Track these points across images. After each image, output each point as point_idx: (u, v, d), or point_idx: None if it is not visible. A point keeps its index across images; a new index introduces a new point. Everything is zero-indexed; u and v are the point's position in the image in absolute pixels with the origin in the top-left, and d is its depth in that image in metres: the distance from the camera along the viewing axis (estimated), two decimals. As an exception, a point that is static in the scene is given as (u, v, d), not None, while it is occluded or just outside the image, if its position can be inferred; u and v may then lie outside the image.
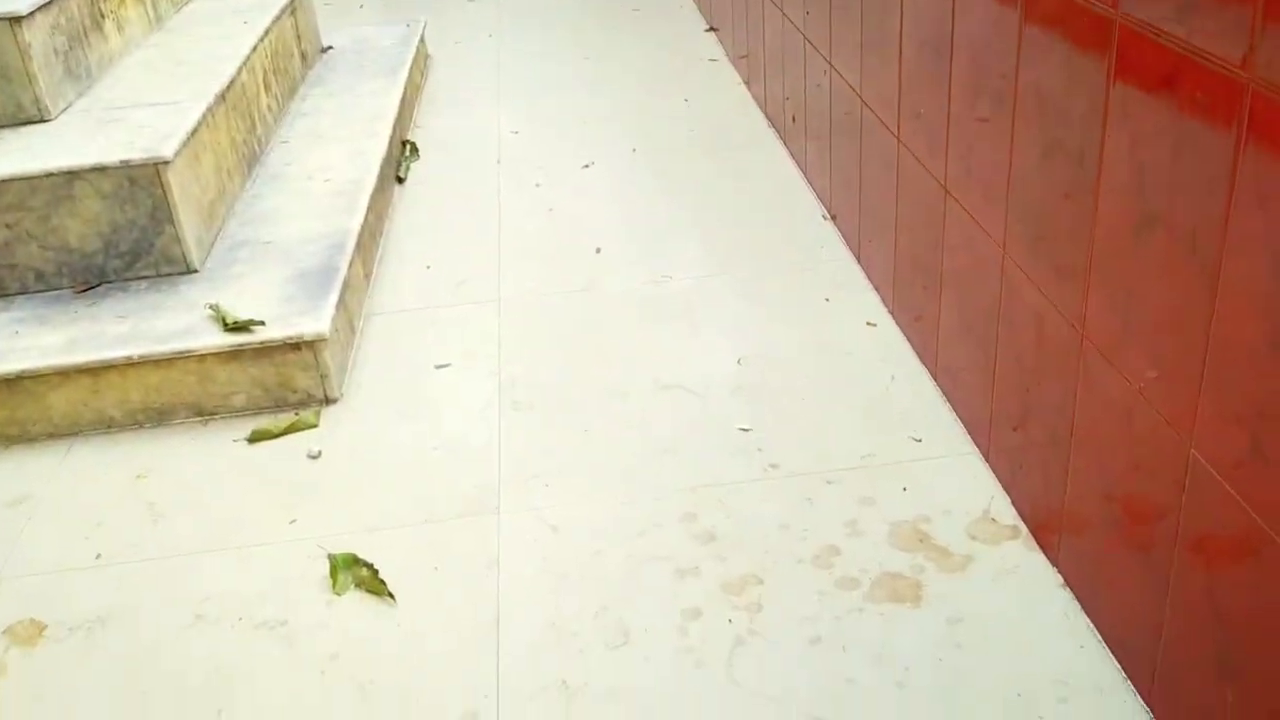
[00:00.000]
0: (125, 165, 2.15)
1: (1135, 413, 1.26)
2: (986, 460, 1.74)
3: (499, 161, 3.14)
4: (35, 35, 2.34)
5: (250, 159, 2.74)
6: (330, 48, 3.75)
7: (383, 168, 2.84)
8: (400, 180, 3.05)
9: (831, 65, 2.47)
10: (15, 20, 2.28)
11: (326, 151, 2.88)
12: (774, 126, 3.18)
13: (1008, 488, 1.67)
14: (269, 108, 2.98)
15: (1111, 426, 1.33)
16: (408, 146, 3.22)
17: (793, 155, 2.98)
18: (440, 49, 4.18)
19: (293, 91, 3.29)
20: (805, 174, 2.85)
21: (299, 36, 3.44)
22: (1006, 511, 1.63)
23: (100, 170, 2.15)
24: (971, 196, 1.71)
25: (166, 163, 2.15)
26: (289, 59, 3.28)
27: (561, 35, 4.26)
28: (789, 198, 2.77)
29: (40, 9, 2.37)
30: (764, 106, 3.30)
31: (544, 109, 3.53)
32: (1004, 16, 1.50)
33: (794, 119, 2.93)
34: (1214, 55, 1.05)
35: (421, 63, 3.84)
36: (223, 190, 2.49)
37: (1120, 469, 1.32)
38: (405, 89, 3.38)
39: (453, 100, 3.67)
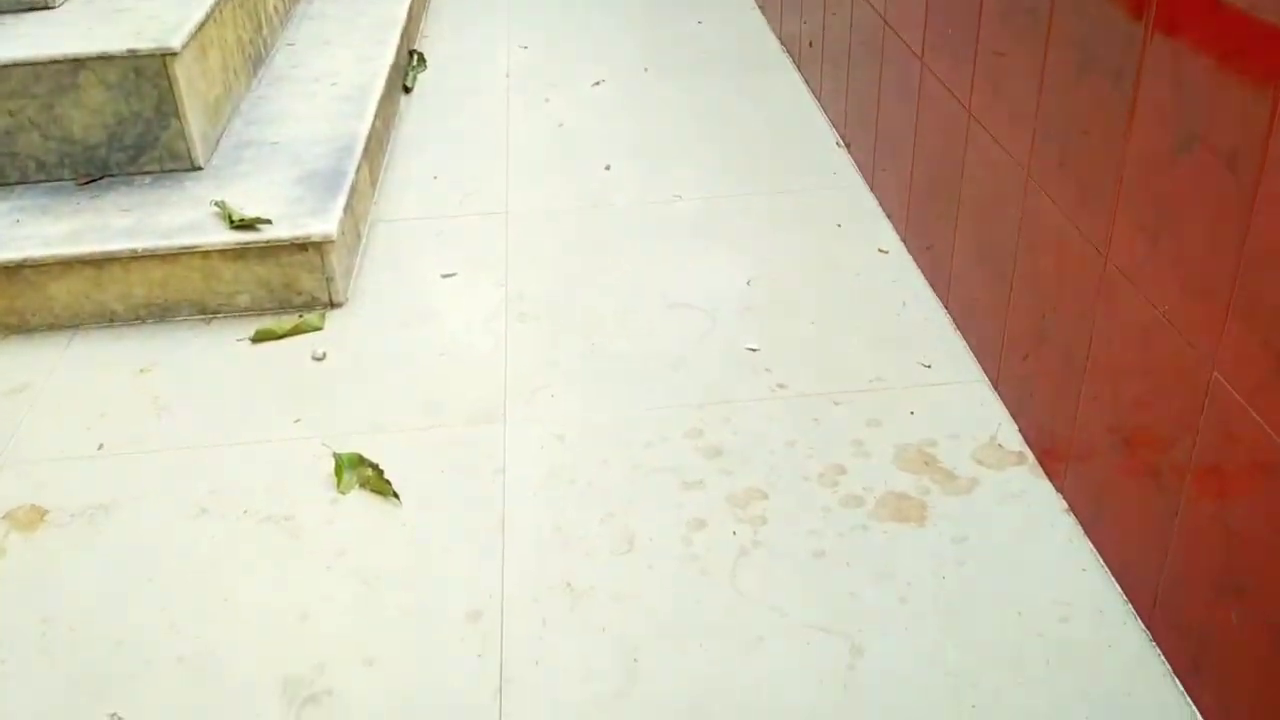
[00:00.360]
0: (132, 55, 2.10)
1: (1156, 336, 1.26)
2: (995, 388, 1.74)
3: (508, 75, 3.09)
4: (38, -81, 2.27)
5: (256, 60, 2.69)
6: (337, -48, 3.65)
7: (390, 75, 2.78)
8: (407, 90, 3.00)
9: (854, -13, 2.42)
10: (17, -98, 2.22)
11: (333, 56, 2.82)
12: (788, 51, 3.12)
13: (1015, 415, 1.67)
14: (275, 9, 2.91)
15: (1130, 351, 1.32)
16: (415, 56, 3.16)
17: (807, 81, 2.93)
18: (449, -40, 4.08)
19: (299, -6, 3.21)
20: (819, 100, 2.81)
21: (306, -62, 3.35)
22: (1013, 438, 1.63)
23: (106, 59, 2.10)
24: (996, 119, 1.68)
25: (174, 54, 2.10)
26: (296, -40, 3.20)
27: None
28: (802, 123, 2.73)
29: (43, -109, 2.30)
30: (778, 31, 3.24)
31: (554, 24, 3.46)
32: (1044, -69, 1.47)
33: (810, 44, 2.87)
34: (1268, -32, 1.02)
35: (430, -28, 3.75)
36: (229, 88, 2.44)
37: (1136, 394, 1.32)
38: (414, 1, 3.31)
39: (461, 11, 3.59)
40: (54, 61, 2.09)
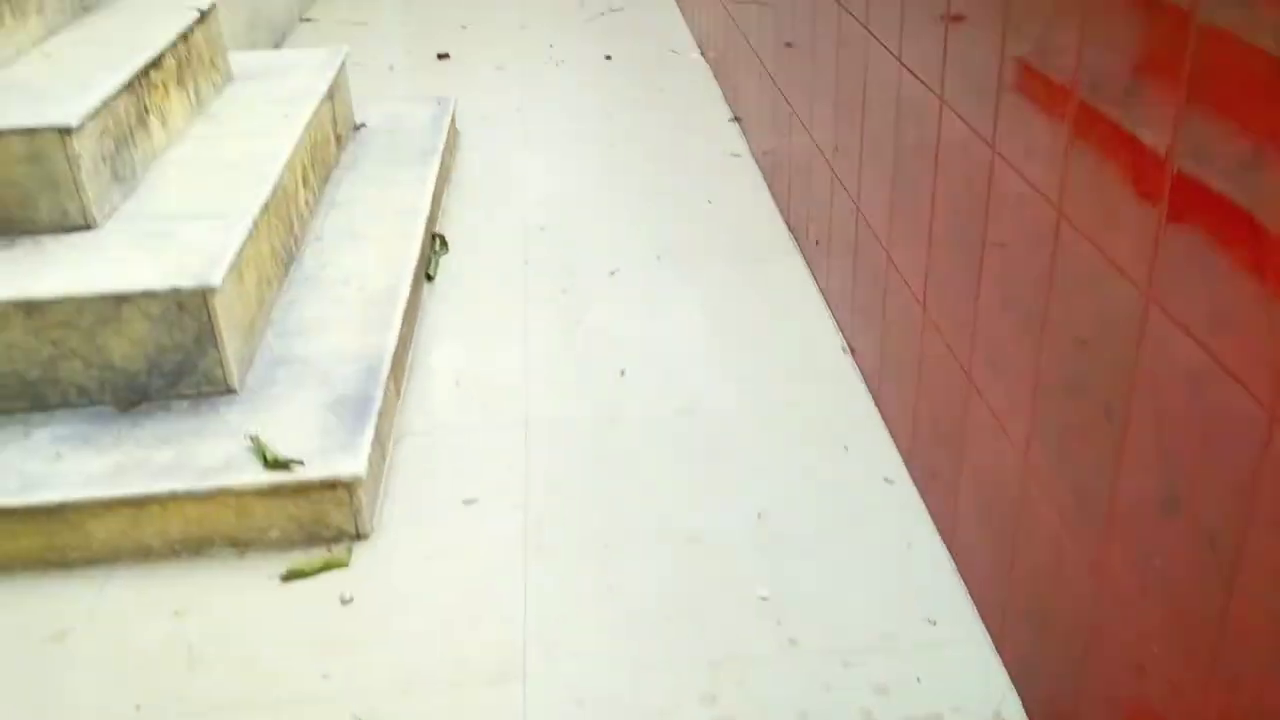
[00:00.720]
0: (175, 291, 2.21)
1: (1149, 672, 1.33)
2: (999, 651, 1.81)
3: (526, 263, 3.21)
4: (84, 145, 2.40)
5: (288, 261, 2.81)
6: (363, 125, 3.81)
7: (415, 272, 2.90)
8: (429, 278, 3.12)
9: (859, 210, 2.54)
10: (66, 132, 2.35)
11: (360, 252, 2.94)
12: (795, 239, 3.24)
13: (1019, 685, 1.74)
14: (306, 203, 3.04)
15: (1127, 672, 1.39)
16: (437, 240, 3.28)
17: (813, 273, 3.04)
18: (468, 122, 4.24)
19: (327, 177, 3.35)
20: (826, 298, 2.92)
21: (335, 120, 3.51)
22: (1017, 713, 1.70)
23: (149, 295, 2.21)
24: (996, 395, 1.77)
25: (214, 290, 2.22)
26: (326, 146, 3.35)
27: (587, 114, 4.33)
28: (809, 321, 2.84)
29: (91, 118, 2.43)
30: (786, 216, 3.36)
31: (571, 201, 3.59)
32: (1036, 256, 1.57)
33: (817, 242, 2.99)
34: (1242, 376, 1.11)
35: (452, 145, 3.90)
36: (263, 301, 2.55)
37: (1136, 711, 1.39)
38: (437, 180, 3.44)
39: (481, 186, 3.73)
40: (99, 297, 2.20)
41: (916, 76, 2.05)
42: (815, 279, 3.02)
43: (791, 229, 3.30)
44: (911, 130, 2.11)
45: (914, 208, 2.13)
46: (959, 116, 1.85)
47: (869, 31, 2.35)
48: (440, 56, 4.93)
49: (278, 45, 5.12)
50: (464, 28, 5.37)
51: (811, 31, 2.88)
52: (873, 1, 2.32)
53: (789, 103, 3.21)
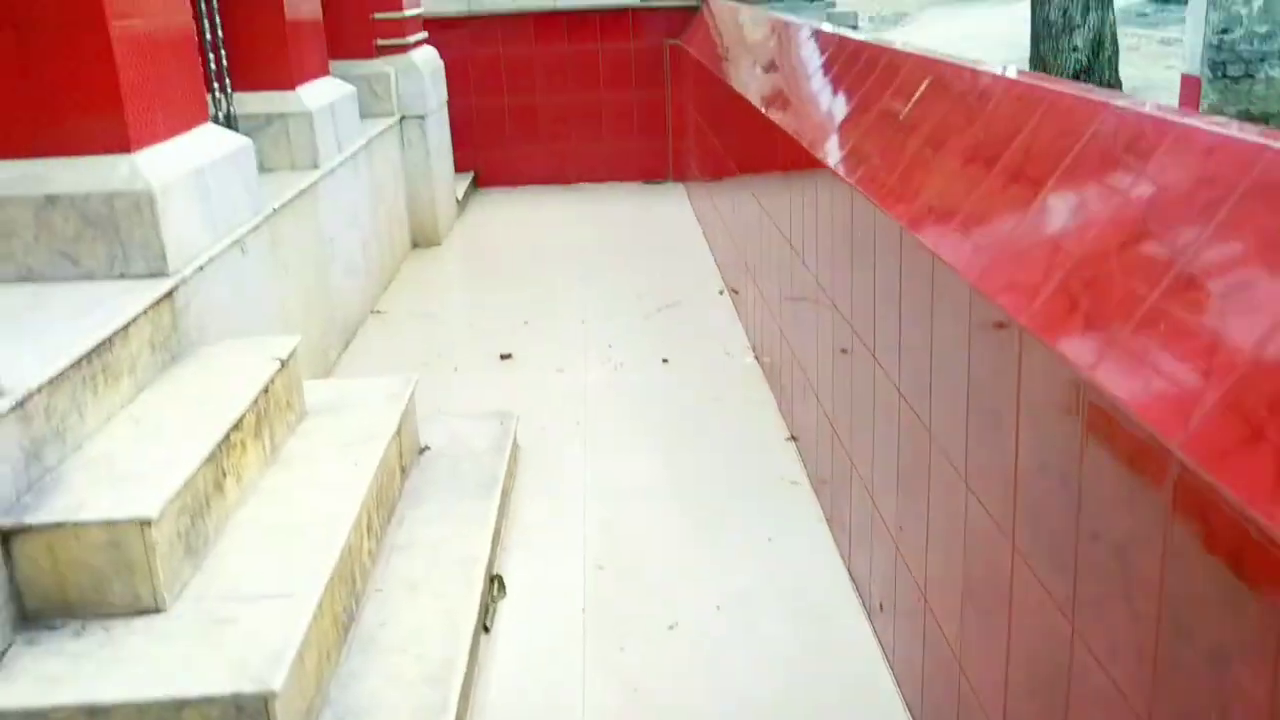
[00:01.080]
0: (235, 696, 2.20)
1: None
2: None
3: (584, 610, 3.18)
4: (162, 532, 2.46)
5: (348, 623, 2.80)
6: (427, 448, 3.89)
7: (474, 629, 2.88)
8: (486, 630, 3.09)
9: (927, 603, 2.49)
10: (146, 524, 2.41)
11: (419, 608, 2.93)
12: (858, 590, 3.19)
13: None
14: (369, 553, 3.07)
15: None
16: (495, 584, 3.28)
17: (879, 637, 2.97)
18: (529, 434, 4.31)
19: (390, 514, 3.39)
20: (893, 670, 2.83)
21: (401, 452, 3.59)
22: None
23: (209, 700, 2.20)
24: None
25: (275, 695, 2.20)
26: (391, 484, 3.41)
27: (645, 429, 4.39)
28: (877, 700, 2.74)
29: (171, 501, 2.50)
30: (848, 562, 3.33)
31: (628, 532, 3.59)
32: (1129, 766, 1.51)
33: (881, 606, 2.94)
34: None
35: (513, 468, 3.96)
36: (320, 680, 2.53)
37: None
38: (498, 516, 3.47)
39: (540, 516, 3.75)
40: (160, 702, 2.19)
41: (985, 508, 2.05)
42: (881, 645, 2.94)
43: (854, 579, 3.25)
44: (982, 560, 2.09)
45: (988, 639, 2.08)
46: (1034, 575, 1.83)
47: (929, 432, 2.38)
48: (503, 357, 5.09)
49: (348, 343, 5.33)
50: (526, 323, 5.57)
51: (870, 397, 2.93)
52: (936, 403, 2.35)
53: (850, 457, 3.24)
